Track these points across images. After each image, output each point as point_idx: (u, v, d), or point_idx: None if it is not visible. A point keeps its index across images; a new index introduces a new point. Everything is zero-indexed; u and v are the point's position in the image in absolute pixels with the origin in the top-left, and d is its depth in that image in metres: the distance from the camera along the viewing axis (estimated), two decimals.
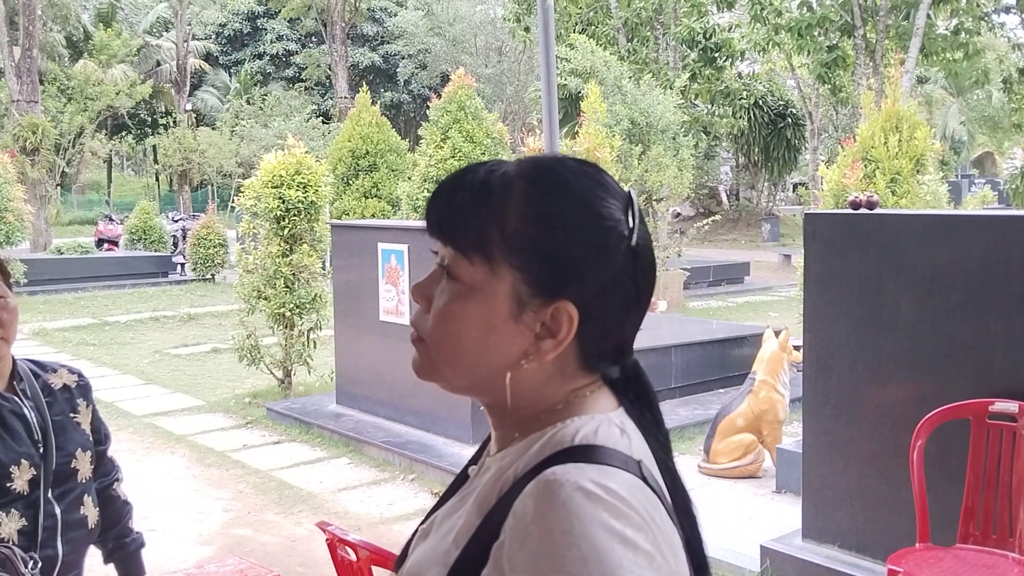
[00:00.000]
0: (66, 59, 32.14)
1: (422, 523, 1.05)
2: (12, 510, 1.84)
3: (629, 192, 0.96)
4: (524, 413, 0.96)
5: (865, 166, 7.97)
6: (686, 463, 5.93)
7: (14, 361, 1.96)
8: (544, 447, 0.92)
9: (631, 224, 0.93)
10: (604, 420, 0.94)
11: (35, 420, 1.92)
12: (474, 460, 1.06)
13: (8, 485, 1.84)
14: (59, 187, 23.99)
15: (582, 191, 0.93)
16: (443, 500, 1.05)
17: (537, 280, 0.91)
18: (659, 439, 0.99)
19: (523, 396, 0.95)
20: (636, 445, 0.93)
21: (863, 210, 4.08)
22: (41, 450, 1.90)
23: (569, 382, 0.96)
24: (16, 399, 1.91)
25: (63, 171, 23.49)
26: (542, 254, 0.91)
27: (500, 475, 0.95)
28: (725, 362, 7.64)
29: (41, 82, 22.77)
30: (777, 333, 5.81)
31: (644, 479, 0.89)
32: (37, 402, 1.94)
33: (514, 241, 0.91)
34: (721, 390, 7.34)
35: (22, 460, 1.86)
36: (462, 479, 1.05)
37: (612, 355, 0.97)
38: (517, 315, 0.92)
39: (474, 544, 0.90)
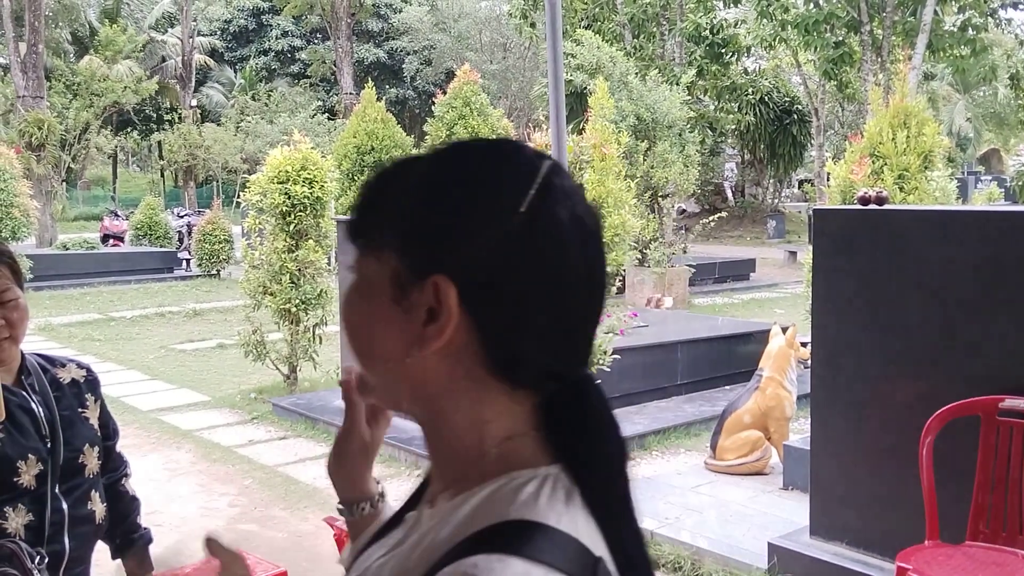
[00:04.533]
0: (72, 55, 32.20)
1: (368, 545, 0.96)
2: (19, 505, 1.83)
3: (544, 164, 0.82)
4: (451, 453, 0.83)
5: (873, 162, 7.94)
6: (692, 460, 5.93)
7: (22, 356, 1.95)
8: (476, 514, 0.77)
9: (528, 196, 0.79)
10: (547, 478, 0.78)
11: (43, 415, 1.91)
12: (412, 501, 0.94)
13: (15, 480, 1.83)
14: (64, 183, 24.03)
15: (474, 162, 0.83)
16: (380, 534, 0.95)
17: (412, 256, 0.80)
18: (612, 499, 0.81)
19: (422, 395, 0.82)
20: (583, 520, 0.78)
21: (872, 206, 4.06)
22: (49, 445, 1.90)
23: (491, 405, 0.81)
24: (24, 394, 1.90)
25: (68, 167, 23.53)
26: (415, 227, 0.80)
27: (421, 542, 0.83)
28: (731, 359, 7.62)
29: (47, 78, 22.79)
30: (784, 330, 5.79)
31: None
32: (45, 397, 1.93)
33: (394, 219, 0.82)
34: (727, 387, 7.32)
35: (29, 455, 1.86)
36: (397, 519, 0.94)
37: (539, 363, 0.80)
38: (399, 299, 0.80)
39: None
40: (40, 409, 1.91)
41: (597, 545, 0.77)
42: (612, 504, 0.81)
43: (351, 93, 30.22)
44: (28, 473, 1.84)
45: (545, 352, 0.80)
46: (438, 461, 0.86)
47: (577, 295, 0.81)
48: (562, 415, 0.81)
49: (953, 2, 19.41)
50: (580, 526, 0.77)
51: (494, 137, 0.92)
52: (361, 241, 0.83)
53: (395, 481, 5.70)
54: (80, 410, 2.00)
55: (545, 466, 0.79)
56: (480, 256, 0.78)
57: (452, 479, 0.83)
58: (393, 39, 35.99)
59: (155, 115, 36.63)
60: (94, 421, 2.03)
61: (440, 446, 0.84)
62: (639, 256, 13.41)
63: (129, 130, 36.40)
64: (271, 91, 32.05)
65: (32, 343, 1.90)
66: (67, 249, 17.26)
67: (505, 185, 0.80)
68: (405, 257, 0.79)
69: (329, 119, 27.90)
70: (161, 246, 18.57)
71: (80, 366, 2.08)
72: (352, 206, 0.87)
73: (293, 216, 7.56)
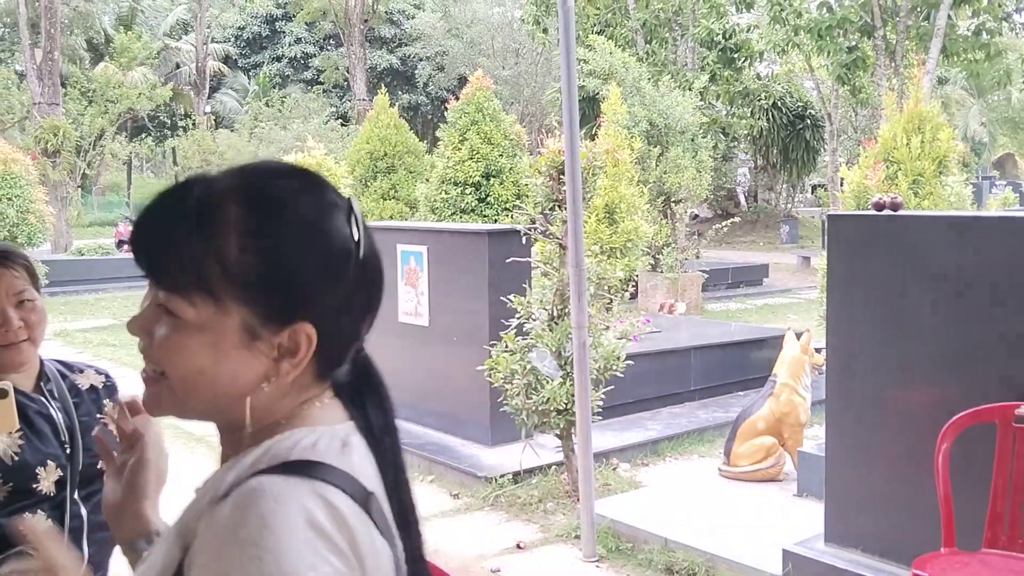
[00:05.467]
0: (87, 62, 32.41)
1: None
2: (38, 511, 1.84)
3: (349, 200, 0.93)
4: (254, 429, 0.92)
5: (887, 167, 7.92)
6: (706, 466, 5.91)
7: (41, 362, 1.96)
8: (258, 461, 0.87)
9: (356, 236, 0.90)
10: (326, 432, 0.90)
11: (62, 421, 1.92)
12: None
13: (34, 486, 1.84)
14: (80, 189, 24.15)
15: (303, 210, 0.89)
16: None
17: (267, 311, 0.88)
18: (387, 443, 0.96)
19: (257, 414, 0.91)
20: (356, 460, 0.90)
21: (887, 212, 4.04)
22: (68, 451, 1.91)
23: (302, 393, 0.93)
24: (43, 400, 1.92)
25: (84, 173, 23.65)
26: (270, 285, 0.87)
27: (203, 496, 0.90)
28: (744, 365, 7.60)
29: (63, 85, 22.92)
30: (799, 335, 5.77)
31: (354, 498, 0.86)
32: (64, 403, 1.94)
33: (237, 276, 0.86)
34: (740, 393, 7.31)
35: (48, 461, 1.87)
36: None
37: (344, 360, 0.95)
38: (250, 343, 0.88)
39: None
40: (59, 415, 1.92)
41: (372, 484, 0.90)
42: (386, 453, 0.96)
43: (364, 99, 30.29)
44: (47, 479, 1.86)
45: (353, 350, 0.96)
46: (234, 443, 0.94)
47: (379, 305, 0.96)
48: (352, 386, 0.97)
49: (967, 6, 19.31)
50: (355, 466, 0.89)
51: (289, 164, 0.95)
52: (179, 282, 0.87)
53: None
54: (99, 416, 2.01)
55: (334, 425, 0.92)
56: (332, 301, 0.90)
57: (243, 448, 0.92)
58: (406, 45, 36.07)
59: (169, 121, 36.81)
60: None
61: (238, 431, 0.92)
62: (652, 262, 13.40)
63: (144, 136, 36.56)
64: (284, 97, 32.13)
65: (48, 348, 1.91)
66: (82, 255, 17.36)
67: (340, 233, 0.89)
68: (257, 308, 0.87)
69: (342, 125, 27.96)
70: None
71: (99, 372, 2.09)
72: (143, 234, 0.90)
73: None
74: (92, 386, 2.03)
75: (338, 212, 0.90)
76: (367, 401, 0.97)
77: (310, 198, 0.90)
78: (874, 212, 4.11)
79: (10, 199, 14.13)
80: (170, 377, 0.90)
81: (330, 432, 0.91)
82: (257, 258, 0.86)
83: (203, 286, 0.87)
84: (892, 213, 4.03)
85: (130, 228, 0.93)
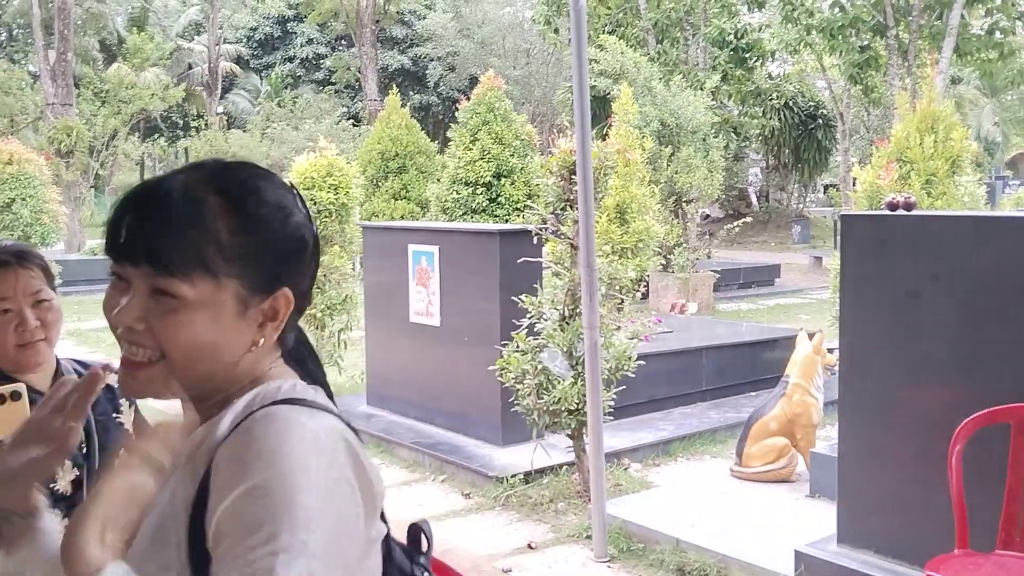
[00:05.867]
0: (100, 63, 32.57)
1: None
2: (55, 511, 1.85)
3: (292, 184, 1.11)
4: (229, 391, 1.05)
5: (900, 167, 7.89)
6: (718, 467, 5.90)
7: (57, 361, 1.97)
8: (251, 403, 1.02)
9: (307, 215, 1.09)
10: (296, 382, 1.07)
11: None
12: None
13: (51, 486, 1.84)
14: (93, 189, 24.28)
15: (268, 195, 1.05)
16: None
17: (256, 281, 1.03)
18: (329, 394, 1.13)
19: (241, 376, 1.06)
20: (324, 402, 1.06)
21: (900, 211, 4.03)
22: (84, 450, 1.91)
23: (268, 356, 1.08)
24: None
25: (97, 173, 23.77)
26: (257, 258, 1.02)
27: (204, 439, 1.03)
28: (756, 365, 7.58)
29: (76, 85, 23.04)
30: (811, 336, 5.76)
31: (346, 424, 1.03)
32: None
33: (230, 253, 1.00)
34: (752, 393, 7.28)
35: (65, 461, 1.87)
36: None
37: (297, 322, 1.12)
38: (243, 313, 1.03)
39: (199, 510, 0.96)
40: None
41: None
42: (330, 396, 1.12)
43: (375, 99, 30.32)
44: (64, 479, 1.86)
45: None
46: (209, 409, 1.06)
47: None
48: (296, 349, 1.13)
49: (980, 5, 19.20)
50: (328, 406, 1.05)
51: (240, 160, 1.12)
52: (179, 266, 0.99)
53: (419, 486, 5.72)
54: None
55: (292, 379, 1.08)
56: (302, 269, 1.08)
57: (221, 406, 1.05)
58: (417, 46, 36.10)
59: (182, 122, 36.92)
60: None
61: (215, 396, 1.06)
62: (663, 262, 13.38)
63: (156, 137, 36.69)
64: (296, 98, 32.20)
65: (61, 347, 1.93)
66: (95, 254, 17.44)
67: (296, 210, 1.07)
68: (248, 283, 1.02)
69: (354, 125, 27.99)
70: None
71: (114, 371, 2.09)
72: (133, 229, 1.01)
73: (319, 222, 7.60)
74: (108, 385, 2.03)
75: (290, 194, 1.08)
76: (307, 360, 1.15)
77: (270, 184, 1.07)
78: (887, 212, 4.09)
79: (24, 199, 14.21)
80: (171, 355, 1.01)
81: (298, 381, 1.07)
82: (244, 237, 1.01)
83: (203, 266, 0.99)
84: (906, 213, 4.01)
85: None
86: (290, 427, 0.94)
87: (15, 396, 1.55)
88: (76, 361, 2.04)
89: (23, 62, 31.31)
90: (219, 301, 1.00)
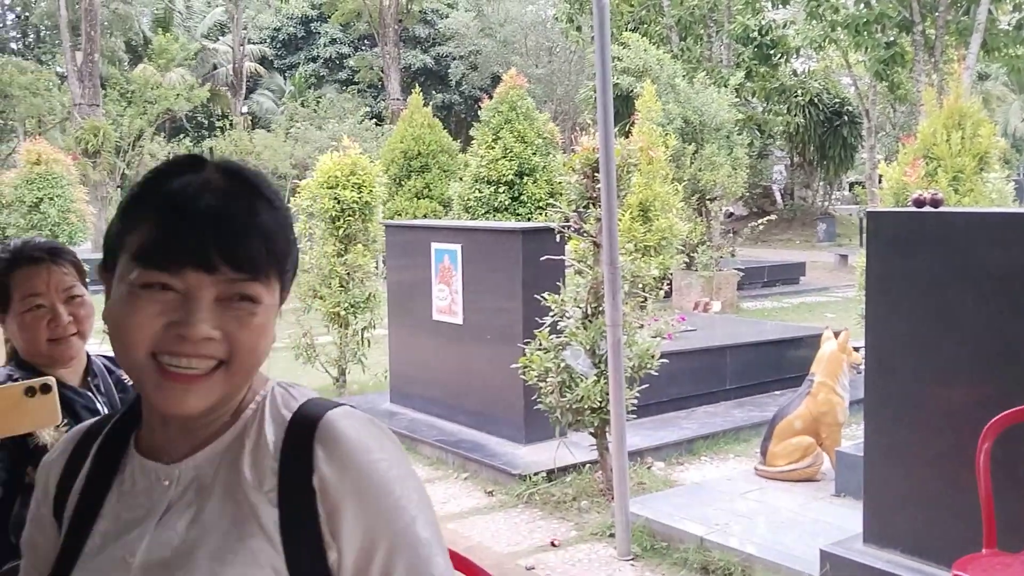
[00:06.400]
0: (126, 63, 32.84)
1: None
2: None
3: None
4: (244, 397, 1.05)
5: (927, 164, 7.82)
6: (742, 466, 5.87)
7: (88, 357, 2.00)
8: (275, 412, 1.02)
9: None
10: (281, 382, 1.08)
11: None
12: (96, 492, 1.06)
13: None
14: (119, 189, 24.50)
15: (277, 192, 1.05)
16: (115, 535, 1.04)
17: (287, 280, 1.04)
18: None
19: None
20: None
21: (927, 208, 3.99)
22: None
23: None
24: (90, 394, 1.95)
25: (123, 173, 24.00)
26: (294, 259, 1.04)
27: (237, 452, 1.01)
28: (780, 363, 7.54)
29: (102, 86, 23.29)
30: (836, 334, 5.72)
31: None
32: (110, 398, 1.98)
33: (281, 252, 1.01)
34: (777, 392, 7.25)
35: None
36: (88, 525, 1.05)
37: None
38: (278, 312, 1.04)
39: (293, 525, 0.96)
40: (105, 410, 1.95)
41: None
42: None
43: (398, 99, 30.43)
44: None
45: None
46: (213, 419, 1.02)
47: None
48: None
49: (1008, 1, 18.98)
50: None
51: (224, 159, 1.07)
52: (255, 271, 0.97)
53: (442, 484, 5.73)
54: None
55: (262, 375, 1.07)
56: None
57: (219, 420, 1.02)
58: (439, 45, 36.16)
59: (207, 122, 37.17)
60: None
61: (233, 402, 1.03)
62: (686, 260, 13.33)
63: (182, 137, 36.97)
64: (320, 97, 32.34)
65: (89, 345, 1.95)
66: None
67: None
68: (284, 280, 1.02)
69: (377, 124, 28.08)
70: None
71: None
72: (229, 239, 0.96)
73: (342, 221, 7.64)
74: (121, 381, 2.07)
75: None
76: None
77: (268, 181, 1.06)
78: (914, 209, 4.06)
79: (51, 199, 14.38)
80: (242, 361, 0.98)
81: (281, 381, 1.09)
82: (280, 232, 1.01)
83: (276, 268, 1.00)
84: (932, 210, 3.98)
85: None
86: (370, 426, 1.02)
87: (45, 389, 1.58)
88: (106, 358, 2.07)
89: (51, 63, 31.62)
90: (275, 303, 1.02)
